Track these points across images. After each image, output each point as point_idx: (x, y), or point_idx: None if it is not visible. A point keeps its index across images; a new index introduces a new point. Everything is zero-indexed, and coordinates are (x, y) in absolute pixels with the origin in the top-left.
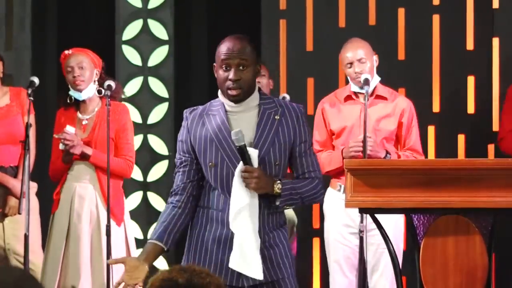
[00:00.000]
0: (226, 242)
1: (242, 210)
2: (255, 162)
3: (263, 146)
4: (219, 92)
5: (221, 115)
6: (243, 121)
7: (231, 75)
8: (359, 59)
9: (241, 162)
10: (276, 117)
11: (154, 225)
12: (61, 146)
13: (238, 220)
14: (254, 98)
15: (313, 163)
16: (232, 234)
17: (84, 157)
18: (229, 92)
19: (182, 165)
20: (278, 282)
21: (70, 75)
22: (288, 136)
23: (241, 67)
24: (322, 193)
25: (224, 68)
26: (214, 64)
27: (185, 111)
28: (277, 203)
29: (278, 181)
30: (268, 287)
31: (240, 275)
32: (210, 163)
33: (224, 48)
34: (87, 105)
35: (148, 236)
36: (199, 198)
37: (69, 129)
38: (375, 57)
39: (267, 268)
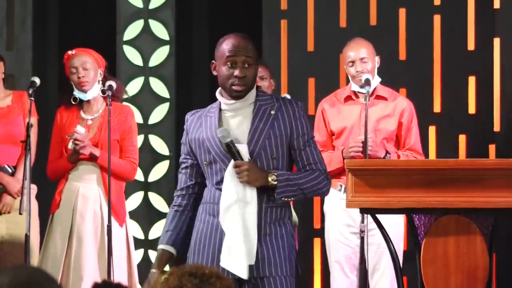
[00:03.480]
0: (217, 233)
1: (231, 206)
2: (246, 157)
3: (258, 140)
4: (218, 91)
5: (215, 115)
6: (239, 117)
7: (237, 72)
8: (361, 58)
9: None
10: (271, 112)
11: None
12: (70, 146)
13: (228, 215)
14: (251, 95)
15: (313, 156)
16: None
17: (92, 158)
18: (234, 87)
19: (184, 165)
20: (266, 279)
21: (75, 76)
22: (285, 130)
23: (246, 65)
24: (326, 184)
25: (229, 65)
26: (213, 62)
27: (187, 114)
28: (275, 195)
29: (273, 173)
30: (254, 283)
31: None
32: (205, 162)
33: (228, 45)
34: (91, 105)
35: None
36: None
37: (80, 129)
38: (377, 59)
39: (255, 265)
